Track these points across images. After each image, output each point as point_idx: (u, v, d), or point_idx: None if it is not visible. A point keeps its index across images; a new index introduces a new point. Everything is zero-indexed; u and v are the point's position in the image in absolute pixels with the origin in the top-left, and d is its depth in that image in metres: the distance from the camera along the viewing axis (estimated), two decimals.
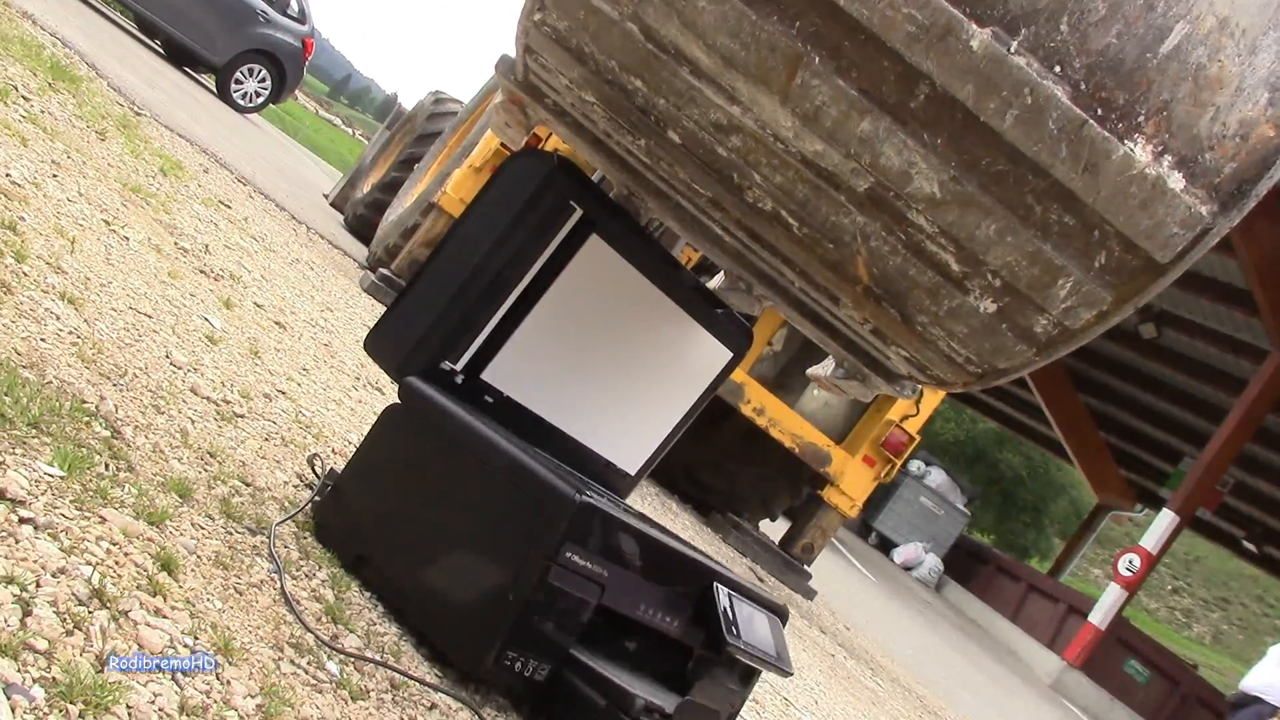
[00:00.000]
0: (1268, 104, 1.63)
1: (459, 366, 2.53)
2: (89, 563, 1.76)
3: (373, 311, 6.45)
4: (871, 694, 6.19)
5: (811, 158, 1.83)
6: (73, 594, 1.66)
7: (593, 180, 2.72)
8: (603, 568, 2.24)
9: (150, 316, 3.19)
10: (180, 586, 1.90)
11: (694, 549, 2.61)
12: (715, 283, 3.05)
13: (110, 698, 1.51)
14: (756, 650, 2.49)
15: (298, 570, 2.29)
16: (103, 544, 1.84)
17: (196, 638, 1.79)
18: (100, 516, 1.91)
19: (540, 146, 6.40)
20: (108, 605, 1.70)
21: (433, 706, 2.11)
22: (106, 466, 2.14)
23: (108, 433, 2.29)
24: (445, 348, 2.52)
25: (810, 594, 8.04)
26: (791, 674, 2.67)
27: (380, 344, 2.64)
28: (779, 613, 2.69)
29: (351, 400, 3.98)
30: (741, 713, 3.68)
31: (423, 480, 2.45)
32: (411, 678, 2.14)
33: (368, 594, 2.39)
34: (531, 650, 2.18)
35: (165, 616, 1.78)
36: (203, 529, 2.17)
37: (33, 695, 1.43)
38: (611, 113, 2.19)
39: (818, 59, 1.71)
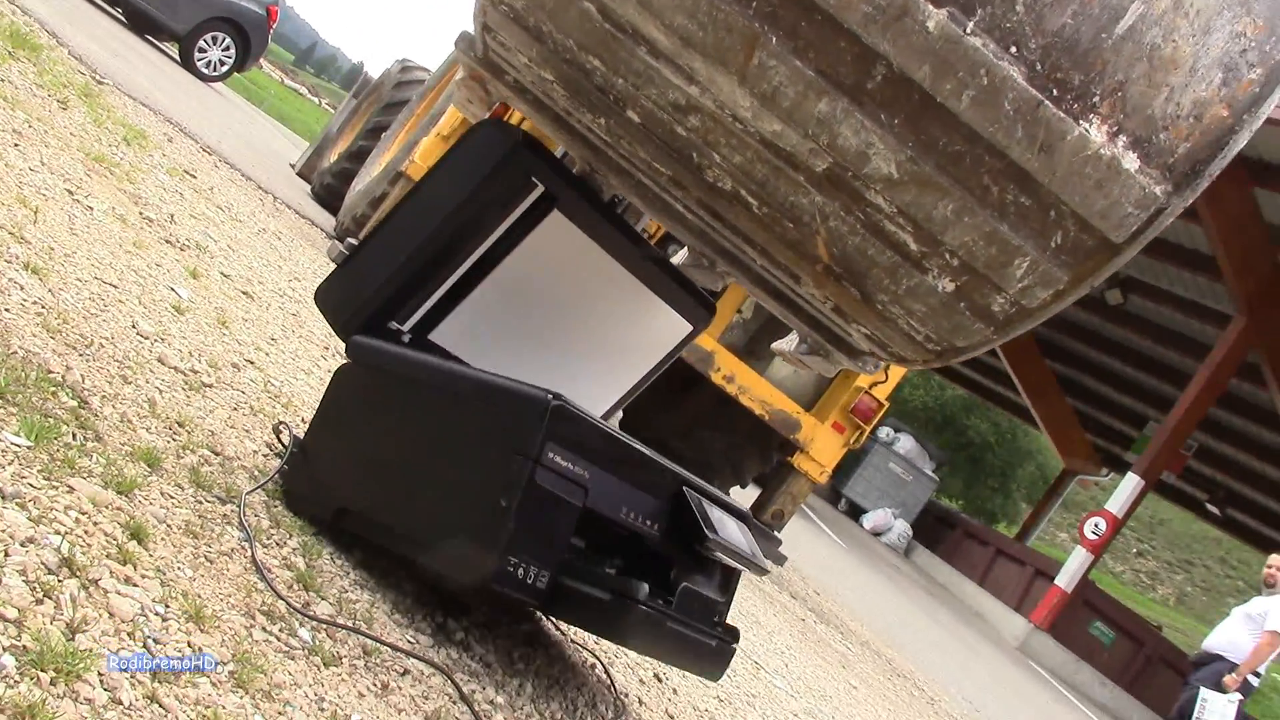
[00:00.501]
0: (1221, 84, 1.65)
1: (406, 327, 2.55)
2: (58, 532, 1.76)
3: None
4: (841, 657, 6.25)
5: (770, 138, 1.84)
6: (42, 563, 1.66)
7: (557, 156, 2.71)
8: (583, 469, 2.28)
9: (116, 286, 3.17)
10: (150, 555, 1.90)
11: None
12: (680, 259, 3.06)
13: (82, 665, 1.51)
14: (734, 547, 2.53)
15: (268, 538, 2.29)
16: (71, 513, 1.83)
17: (168, 606, 1.79)
18: (68, 486, 1.91)
19: (508, 114, 6.36)
20: (77, 574, 1.70)
21: (405, 672, 2.12)
22: (74, 436, 2.13)
23: (75, 402, 2.28)
24: (393, 309, 2.55)
25: (781, 560, 8.10)
26: (768, 571, 2.73)
27: (329, 298, 2.67)
28: (744, 516, 2.75)
29: (321, 370, 3.97)
30: None
31: (390, 424, 2.49)
32: (384, 643, 2.15)
33: (339, 561, 2.39)
34: (532, 556, 2.21)
35: (135, 585, 1.78)
36: (172, 498, 2.17)
37: (3, 663, 1.43)
38: (570, 91, 2.17)
39: (775, 39, 1.72)
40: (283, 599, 2.06)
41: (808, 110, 1.75)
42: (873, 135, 1.74)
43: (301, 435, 2.70)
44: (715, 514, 2.56)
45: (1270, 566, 9.33)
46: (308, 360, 3.98)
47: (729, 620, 2.69)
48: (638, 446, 2.51)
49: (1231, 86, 1.64)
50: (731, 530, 2.58)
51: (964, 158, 1.72)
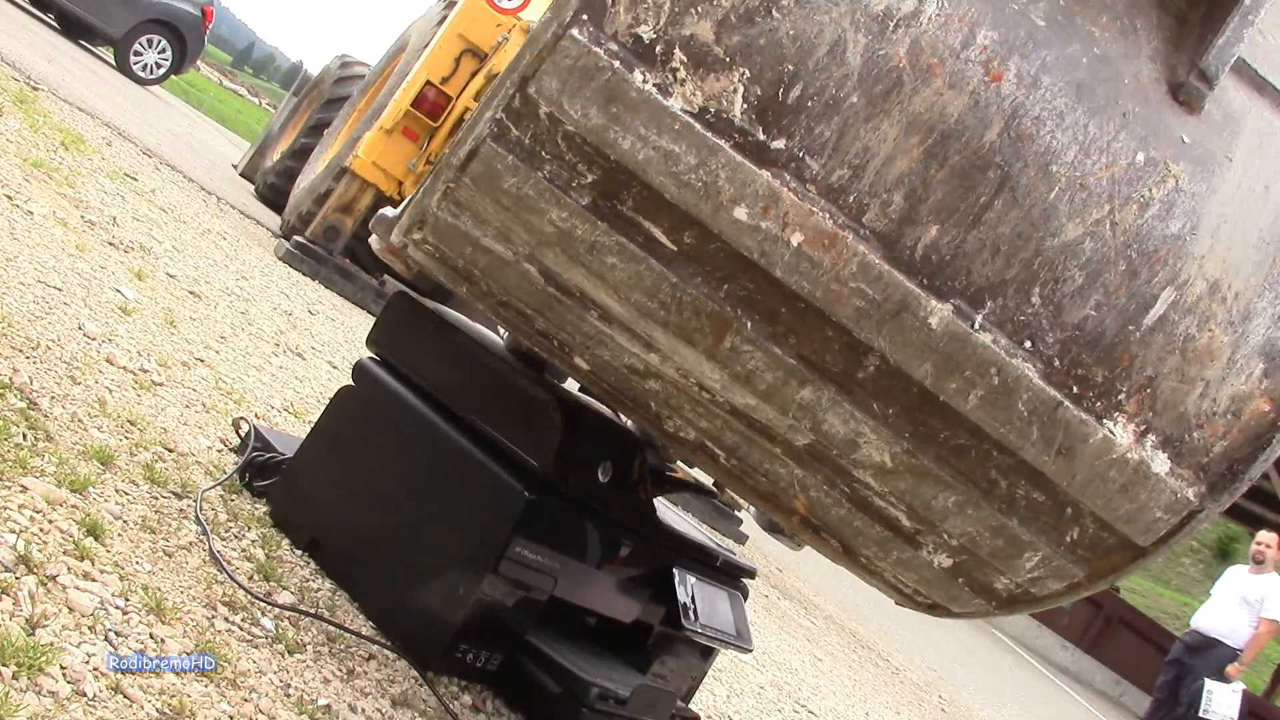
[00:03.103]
0: (1263, 375, 1.49)
1: None
2: (13, 530, 1.75)
3: (289, 279, 6.37)
4: (806, 631, 6.31)
5: (743, 409, 1.63)
6: None
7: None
8: (555, 560, 2.19)
9: (60, 289, 3.14)
10: (108, 551, 1.89)
11: (653, 525, 2.49)
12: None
13: (44, 659, 1.51)
14: (715, 632, 2.46)
15: (226, 532, 2.29)
16: (26, 512, 1.83)
17: (128, 599, 1.79)
18: (21, 485, 1.90)
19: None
20: (34, 570, 1.70)
21: (370, 657, 2.13)
22: (25, 437, 2.12)
23: (23, 404, 2.26)
24: None
25: (742, 539, 8.16)
26: (751, 650, 2.66)
27: None
28: (740, 589, 2.65)
29: (272, 366, 3.95)
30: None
31: (376, 465, 2.39)
32: (348, 631, 2.15)
33: (299, 552, 2.39)
34: (483, 642, 2.16)
35: (94, 580, 1.78)
36: (127, 495, 2.16)
37: None
38: (508, 324, 1.91)
39: (749, 324, 1.53)
40: (243, 589, 2.06)
41: (788, 395, 1.57)
42: (864, 425, 1.56)
43: (255, 427, 2.69)
44: (704, 592, 2.47)
45: (1259, 544, 9.20)
46: (259, 357, 3.96)
47: (697, 689, 2.64)
48: (626, 533, 2.36)
49: (1274, 377, 1.50)
50: (719, 610, 2.50)
51: (969, 451, 1.55)
